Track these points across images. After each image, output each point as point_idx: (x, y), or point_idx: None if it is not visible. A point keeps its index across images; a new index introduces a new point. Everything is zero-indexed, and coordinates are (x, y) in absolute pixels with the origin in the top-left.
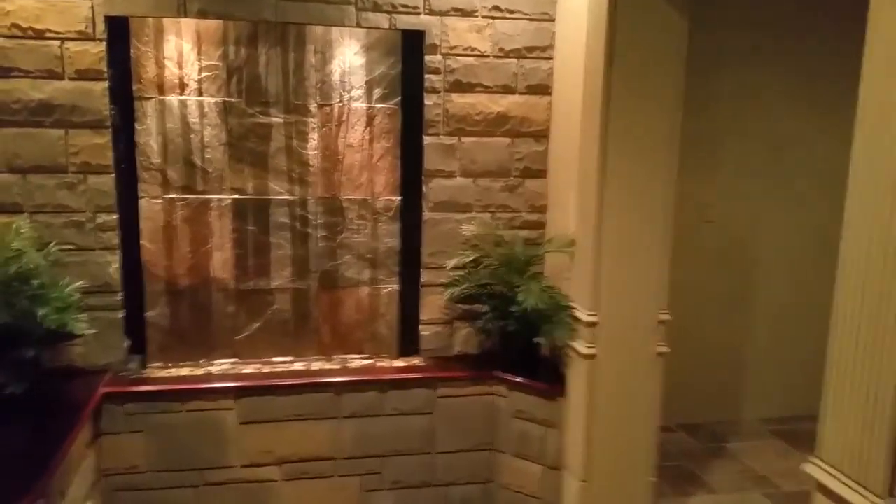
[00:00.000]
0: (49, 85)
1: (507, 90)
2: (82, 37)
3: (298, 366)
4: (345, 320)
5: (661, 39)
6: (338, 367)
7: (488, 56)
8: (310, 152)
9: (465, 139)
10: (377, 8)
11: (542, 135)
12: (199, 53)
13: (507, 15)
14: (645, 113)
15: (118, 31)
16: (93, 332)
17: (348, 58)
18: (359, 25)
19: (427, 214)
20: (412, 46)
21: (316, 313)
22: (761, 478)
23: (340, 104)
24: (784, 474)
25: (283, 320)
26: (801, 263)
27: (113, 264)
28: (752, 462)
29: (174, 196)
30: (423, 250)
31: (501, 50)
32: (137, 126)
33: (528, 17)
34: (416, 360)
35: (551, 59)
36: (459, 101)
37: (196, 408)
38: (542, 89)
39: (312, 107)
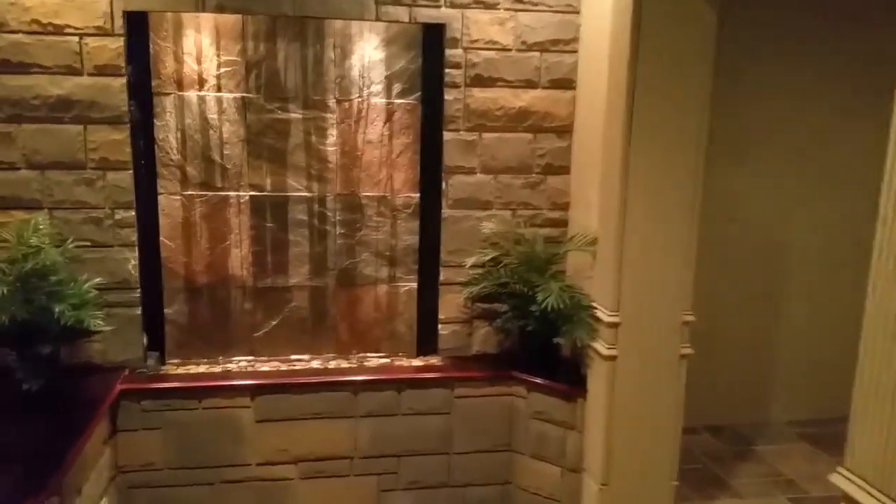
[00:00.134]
0: (68, 81)
1: (530, 84)
2: (101, 32)
3: (316, 364)
4: (363, 318)
5: (688, 32)
6: (355, 365)
7: (510, 49)
8: (328, 148)
9: (485, 135)
10: (397, 1)
11: (565, 130)
12: (217, 49)
13: (531, 7)
14: (671, 108)
15: (137, 27)
16: (110, 328)
17: (368, 52)
18: (378, 19)
19: (446, 212)
20: (432, 40)
21: (334, 311)
22: (788, 482)
23: (359, 99)
24: (811, 479)
25: (300, 318)
26: (830, 263)
27: (131, 261)
28: (778, 465)
29: (192, 193)
30: (443, 248)
31: (524, 43)
32: (156, 122)
33: (551, 9)
34: (434, 360)
35: (576, 52)
36: (480, 95)
37: (213, 405)
38: (566, 83)
39: (331, 102)
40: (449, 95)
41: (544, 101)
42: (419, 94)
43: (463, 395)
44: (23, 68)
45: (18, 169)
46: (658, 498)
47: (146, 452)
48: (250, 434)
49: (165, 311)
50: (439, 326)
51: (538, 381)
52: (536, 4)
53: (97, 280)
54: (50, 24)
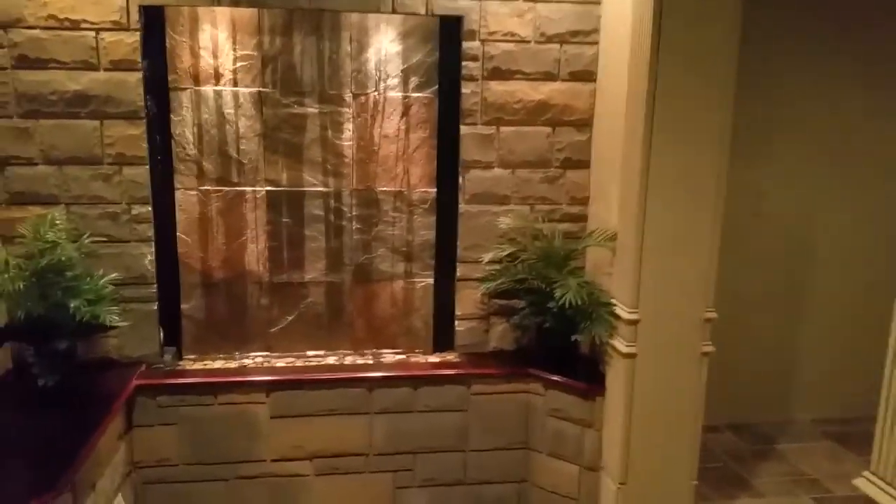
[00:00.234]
0: (84, 76)
1: (549, 77)
2: (117, 27)
3: (332, 360)
4: (379, 314)
5: (712, 20)
6: (371, 361)
7: (529, 41)
8: (345, 143)
9: (503, 129)
10: None
11: (584, 124)
12: (233, 43)
13: None
14: (694, 99)
15: (153, 21)
16: (126, 324)
17: (384, 45)
18: (394, 11)
19: (463, 207)
20: (450, 33)
21: (350, 307)
22: (811, 481)
23: (376, 93)
24: (836, 478)
25: (316, 313)
26: (860, 258)
27: (148, 256)
28: (801, 464)
29: (209, 188)
30: (459, 244)
31: (543, 35)
32: (173, 117)
33: None
34: (450, 356)
35: (596, 43)
36: (498, 88)
37: (228, 401)
38: (586, 76)
39: (347, 96)
40: (466, 89)
41: (564, 94)
42: (436, 87)
43: (479, 392)
44: (40, 64)
45: (36, 164)
46: (677, 497)
47: (162, 448)
48: (265, 430)
49: (182, 306)
50: (456, 323)
51: (556, 378)
52: None
53: (113, 275)
54: (66, 19)
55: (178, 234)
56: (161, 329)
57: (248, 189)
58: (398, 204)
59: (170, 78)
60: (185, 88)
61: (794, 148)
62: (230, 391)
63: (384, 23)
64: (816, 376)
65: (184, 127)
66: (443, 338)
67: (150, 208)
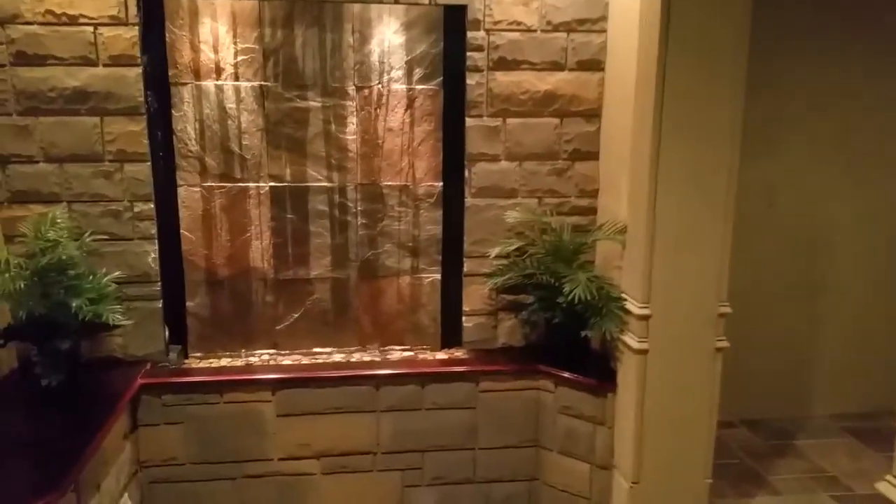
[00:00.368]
0: (83, 72)
1: (556, 67)
2: (115, 21)
3: (338, 357)
4: (385, 310)
5: (721, 7)
6: (378, 358)
7: (535, 30)
8: (348, 137)
9: (509, 120)
10: None
11: (593, 114)
12: (234, 36)
13: None
14: (704, 88)
15: (152, 15)
16: (129, 322)
17: (387, 36)
18: (398, 2)
19: (470, 201)
20: (454, 22)
21: (356, 303)
22: (831, 479)
23: (380, 86)
24: (856, 475)
25: (322, 310)
26: (875, 250)
27: (151, 254)
28: (820, 461)
29: (212, 184)
30: (466, 238)
31: (549, 23)
32: (174, 112)
33: None
34: (458, 353)
35: (604, 31)
36: (504, 79)
37: (234, 399)
38: (594, 65)
39: (351, 89)
40: (471, 80)
41: (571, 84)
42: (441, 79)
43: (488, 389)
44: (38, 60)
45: (37, 162)
46: (691, 496)
47: (168, 447)
48: (272, 428)
49: (187, 303)
50: (463, 319)
51: (566, 374)
52: None
53: (116, 273)
54: (64, 14)
55: (181, 231)
56: (166, 327)
57: (252, 185)
58: (404, 198)
59: (170, 73)
60: (186, 83)
61: (807, 140)
62: (236, 389)
63: (387, 13)
64: (834, 370)
65: (185, 122)
66: (450, 334)
67: (152, 205)
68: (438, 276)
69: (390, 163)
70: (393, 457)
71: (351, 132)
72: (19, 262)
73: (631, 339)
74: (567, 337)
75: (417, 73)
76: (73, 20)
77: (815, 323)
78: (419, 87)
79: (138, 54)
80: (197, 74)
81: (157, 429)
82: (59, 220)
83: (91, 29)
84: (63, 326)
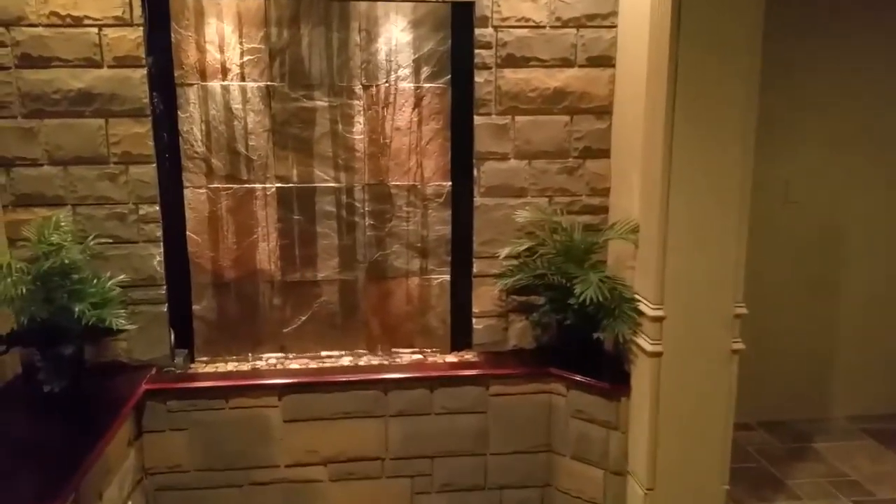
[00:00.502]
0: (88, 73)
1: (565, 63)
2: (119, 22)
3: (346, 361)
4: (394, 313)
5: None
6: (386, 362)
7: (544, 27)
8: (356, 137)
9: (518, 118)
10: None
11: (604, 111)
12: (240, 36)
13: None
14: (717, 82)
15: (157, 16)
16: (134, 327)
17: (394, 35)
18: None
19: (479, 200)
20: (462, 19)
21: (364, 305)
22: (851, 483)
23: (387, 85)
24: (877, 479)
25: (330, 313)
26: (894, 248)
27: (156, 257)
28: (840, 464)
29: (218, 185)
30: (475, 238)
31: (559, 19)
32: (180, 114)
33: None
34: (468, 355)
35: (615, 27)
36: (512, 77)
37: (240, 405)
38: (605, 61)
39: (358, 88)
40: (479, 77)
41: (581, 81)
42: (449, 77)
43: (499, 393)
44: (43, 62)
45: (41, 165)
46: (708, 503)
47: (173, 454)
48: (279, 434)
49: (193, 307)
50: (473, 320)
51: (578, 378)
52: None
53: (121, 277)
54: (68, 15)
55: (187, 233)
56: (172, 331)
57: (258, 186)
58: (412, 198)
59: (176, 74)
60: (192, 84)
61: (823, 134)
62: (242, 395)
63: (394, 11)
64: (853, 370)
65: (191, 124)
66: (460, 336)
67: (157, 208)
68: (448, 278)
69: (398, 162)
70: (402, 463)
71: (358, 132)
72: (21, 267)
73: (644, 342)
74: (579, 339)
75: (425, 71)
76: (77, 21)
77: (834, 322)
78: (427, 85)
79: (143, 55)
80: (203, 75)
81: (163, 435)
82: (62, 224)
83: (95, 30)
84: (66, 331)
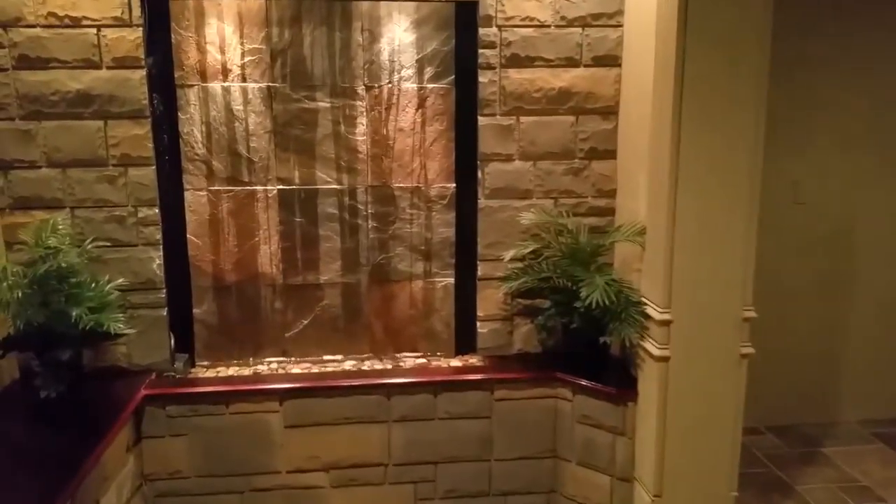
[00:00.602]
0: (86, 74)
1: (571, 63)
2: (118, 23)
3: (349, 365)
4: (397, 316)
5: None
6: (389, 366)
7: (549, 26)
8: (358, 138)
9: (523, 119)
10: None
11: (610, 111)
12: (241, 37)
13: None
14: (725, 82)
15: (157, 16)
16: (134, 331)
17: (397, 35)
18: None
19: (483, 202)
20: (466, 19)
21: (367, 309)
22: (862, 489)
23: (390, 85)
24: (888, 484)
25: (332, 316)
26: None
27: (156, 260)
28: (850, 469)
29: (219, 188)
30: (480, 241)
31: (564, 18)
32: (180, 115)
33: None
34: (472, 359)
35: (621, 25)
36: (517, 77)
37: (241, 410)
38: (611, 60)
39: (360, 89)
40: (483, 78)
41: (587, 81)
42: (452, 77)
43: (503, 398)
44: (42, 63)
45: (39, 167)
46: None
47: (173, 460)
48: (279, 440)
49: (194, 311)
50: (478, 324)
51: (584, 382)
52: None
53: (119, 281)
54: (67, 16)
55: (188, 236)
56: (171, 335)
57: (260, 188)
58: (415, 200)
59: (176, 75)
60: (193, 85)
61: (833, 134)
62: (242, 400)
63: (397, 11)
64: (863, 373)
65: (192, 125)
66: (464, 340)
67: (157, 210)
68: (452, 280)
69: (401, 164)
70: (405, 469)
71: (361, 133)
72: (17, 271)
73: (652, 346)
74: (585, 343)
75: (428, 71)
76: (75, 22)
77: (844, 324)
78: (430, 85)
79: (142, 56)
80: (203, 76)
81: (162, 441)
82: (60, 227)
83: (94, 31)
84: (63, 336)
